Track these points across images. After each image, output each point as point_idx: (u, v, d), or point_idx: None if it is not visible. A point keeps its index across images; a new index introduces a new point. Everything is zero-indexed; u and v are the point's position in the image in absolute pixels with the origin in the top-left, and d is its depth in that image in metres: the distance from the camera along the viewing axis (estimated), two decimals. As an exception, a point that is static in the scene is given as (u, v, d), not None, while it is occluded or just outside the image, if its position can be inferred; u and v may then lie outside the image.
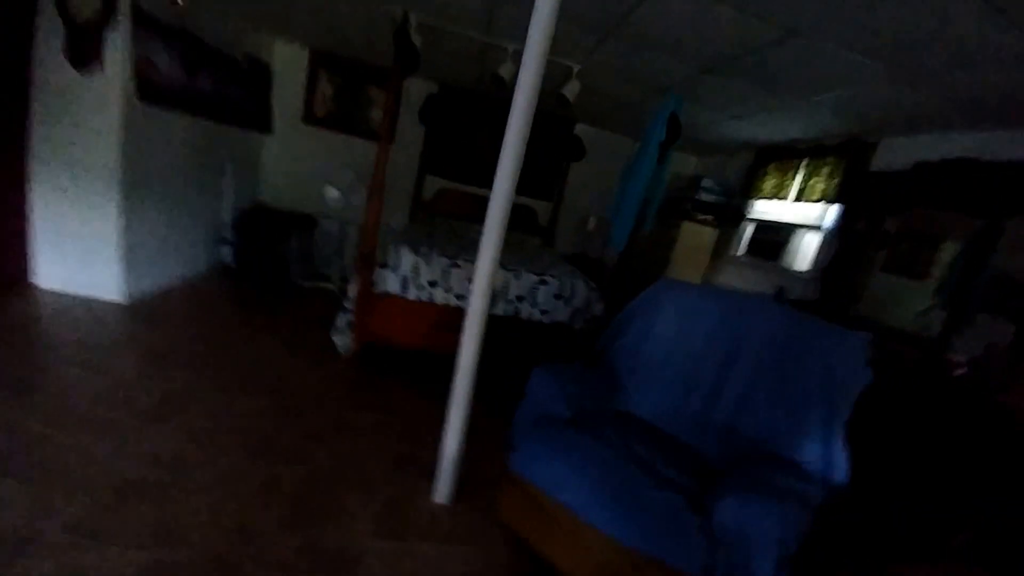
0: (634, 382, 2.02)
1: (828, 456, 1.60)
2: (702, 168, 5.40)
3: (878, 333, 2.84)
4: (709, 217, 4.66)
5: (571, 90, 3.17)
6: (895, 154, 3.25)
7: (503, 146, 1.68)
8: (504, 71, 3.07)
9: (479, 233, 4.41)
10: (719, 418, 1.82)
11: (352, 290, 2.84)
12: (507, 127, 1.65)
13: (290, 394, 2.39)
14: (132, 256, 3.04)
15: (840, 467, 1.56)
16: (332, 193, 3.99)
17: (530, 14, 1.59)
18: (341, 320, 2.91)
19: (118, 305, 2.95)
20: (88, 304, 2.85)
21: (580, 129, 5.07)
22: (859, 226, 3.40)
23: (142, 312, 2.96)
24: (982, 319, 2.53)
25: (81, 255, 2.90)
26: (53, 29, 2.58)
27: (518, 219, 4.95)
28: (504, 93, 3.31)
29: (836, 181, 3.64)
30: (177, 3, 2.93)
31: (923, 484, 2.03)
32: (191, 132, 3.44)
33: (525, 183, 5.12)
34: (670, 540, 1.26)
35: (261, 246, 4.03)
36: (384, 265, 2.84)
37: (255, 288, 3.90)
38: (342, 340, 2.89)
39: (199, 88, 3.39)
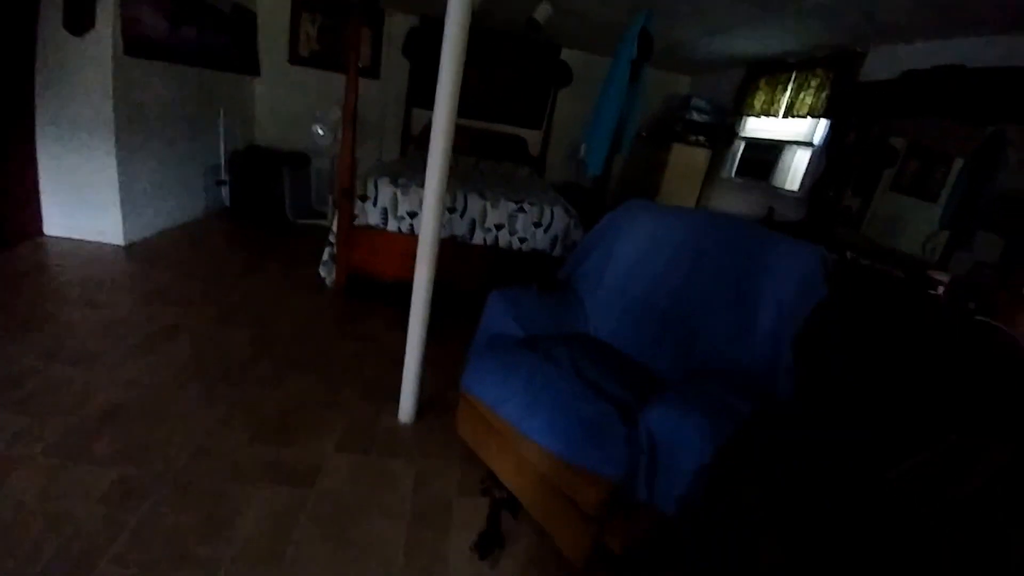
0: (595, 304, 1.91)
1: (774, 371, 1.50)
2: (695, 87, 4.95)
3: (875, 257, 2.65)
4: (701, 138, 4.31)
5: (542, 13, 2.83)
6: (884, 64, 2.90)
7: (440, 67, 1.47)
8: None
9: (467, 164, 4.26)
10: (673, 337, 1.72)
11: (333, 225, 2.74)
12: (442, 47, 1.44)
13: (274, 325, 2.37)
14: (130, 201, 3.01)
15: (785, 383, 1.47)
16: (319, 131, 3.79)
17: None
18: (326, 254, 2.84)
19: (118, 247, 2.95)
20: (90, 248, 2.85)
21: (566, 54, 4.65)
22: (848, 140, 3.08)
23: (140, 253, 2.95)
24: (984, 239, 2.29)
25: (82, 203, 2.90)
26: (54, 4, 2.54)
27: (507, 149, 4.69)
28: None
29: (825, 94, 3.27)
30: None
31: (881, 409, 1.93)
32: (180, 80, 3.34)
33: (513, 112, 4.89)
34: (596, 449, 1.21)
35: (256, 185, 3.92)
36: (364, 198, 2.71)
37: (251, 227, 3.83)
38: (327, 273, 2.84)
39: (184, 39, 3.28)
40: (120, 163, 2.87)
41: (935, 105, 2.52)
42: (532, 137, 4.88)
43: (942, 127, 2.53)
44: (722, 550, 1.50)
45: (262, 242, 3.58)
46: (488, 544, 1.37)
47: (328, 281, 2.85)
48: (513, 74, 4.73)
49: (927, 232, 2.52)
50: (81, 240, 2.91)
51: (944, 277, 2.20)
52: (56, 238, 2.89)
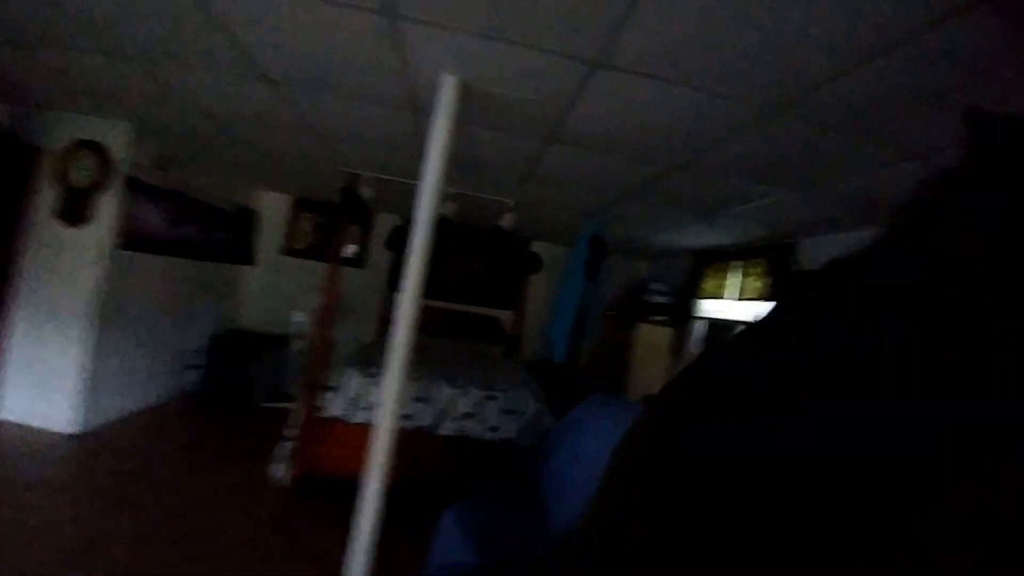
0: (560, 511, 1.77)
1: None
2: (653, 271, 5.46)
3: None
4: (663, 317, 4.60)
5: (507, 221, 3.28)
6: (815, 253, 3.27)
7: (407, 264, 1.62)
8: (446, 208, 3.19)
9: (442, 345, 4.36)
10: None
11: (294, 418, 2.65)
12: (410, 247, 1.62)
13: (213, 540, 2.09)
14: (94, 389, 2.94)
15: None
16: (298, 316, 3.94)
17: (460, 165, 1.66)
18: (282, 449, 2.67)
19: (73, 436, 2.79)
20: (41, 436, 2.71)
21: (537, 245, 5.21)
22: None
23: (93, 445, 2.77)
24: None
25: (44, 388, 2.83)
26: (48, 191, 2.77)
27: (482, 329, 4.89)
28: (447, 225, 3.52)
29: (767, 280, 3.63)
30: (164, 168, 3.13)
31: None
32: (172, 272, 3.55)
33: (488, 296, 5.25)
34: None
35: (228, 368, 3.89)
36: (330, 388, 2.68)
37: (216, 412, 3.68)
38: (280, 471, 2.63)
39: (182, 235, 3.57)
40: (91, 353, 2.86)
41: None
42: (507, 317, 5.15)
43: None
44: None
45: (223, 430, 3.39)
46: None
47: (280, 480, 2.63)
48: (488, 263, 5.22)
49: None
50: (31, 427, 2.76)
51: None
52: (9, 423, 2.75)
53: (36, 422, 2.79)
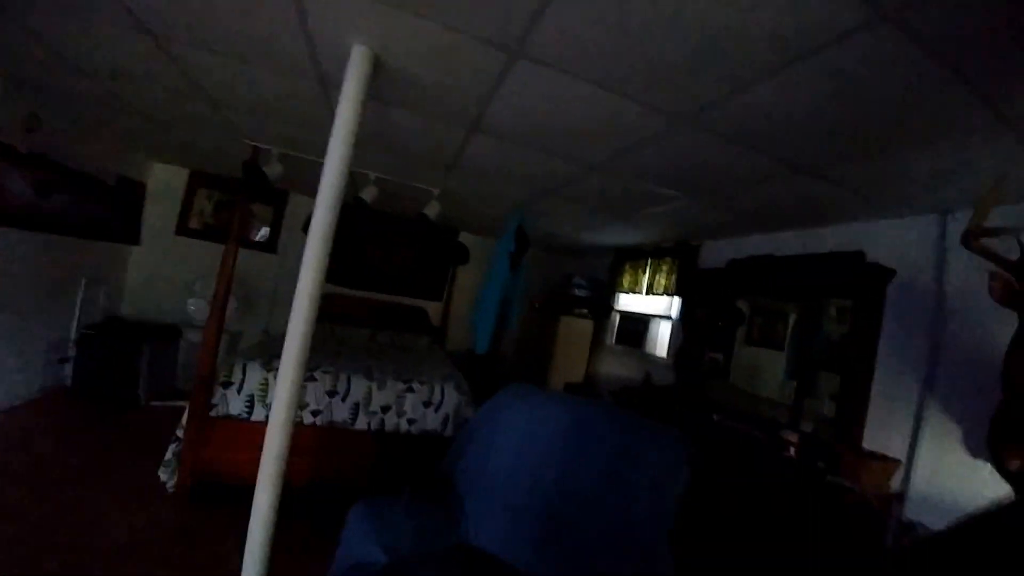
0: (475, 507, 1.75)
1: (651, 565, 1.43)
2: (577, 267, 5.64)
3: (745, 405, 2.86)
4: (584, 310, 4.76)
5: (432, 209, 3.20)
6: (715, 254, 3.56)
7: (305, 251, 1.50)
8: (366, 194, 3.04)
9: (364, 336, 4.18)
10: (554, 542, 1.60)
11: (185, 417, 2.40)
12: (310, 232, 1.50)
13: (92, 551, 1.84)
14: None
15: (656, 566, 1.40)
16: (196, 304, 3.58)
17: (381, 149, 1.53)
18: (170, 451, 2.41)
19: None
20: None
21: (464, 236, 5.16)
22: (697, 314, 3.57)
23: None
24: (827, 378, 2.57)
25: None
26: None
27: (408, 320, 4.76)
28: (368, 211, 3.36)
29: (674, 277, 3.88)
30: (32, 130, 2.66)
31: None
32: (41, 249, 3.07)
33: (414, 286, 5.11)
34: None
35: (108, 362, 3.42)
36: (227, 384, 2.46)
37: (96, 410, 3.23)
38: (168, 476, 2.37)
39: (53, 208, 3.08)
40: None
41: (755, 287, 3.09)
42: (434, 308, 5.05)
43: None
44: None
45: (101, 431, 2.98)
46: None
47: (169, 486, 2.37)
48: (414, 253, 5.07)
49: (780, 378, 2.85)
50: None
51: (793, 438, 2.42)
52: None
53: None
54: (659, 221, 3.26)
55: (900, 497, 2.09)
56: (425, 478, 1.93)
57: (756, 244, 3.18)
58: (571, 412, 1.86)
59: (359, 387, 2.65)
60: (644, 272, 4.26)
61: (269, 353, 2.72)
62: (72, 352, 3.46)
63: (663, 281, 3.97)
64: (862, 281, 2.39)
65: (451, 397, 2.82)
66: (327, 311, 4.36)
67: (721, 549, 2.01)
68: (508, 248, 2.78)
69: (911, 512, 2.04)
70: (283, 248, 4.56)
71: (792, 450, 2.37)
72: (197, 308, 3.56)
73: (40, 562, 1.72)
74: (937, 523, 1.92)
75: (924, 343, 2.14)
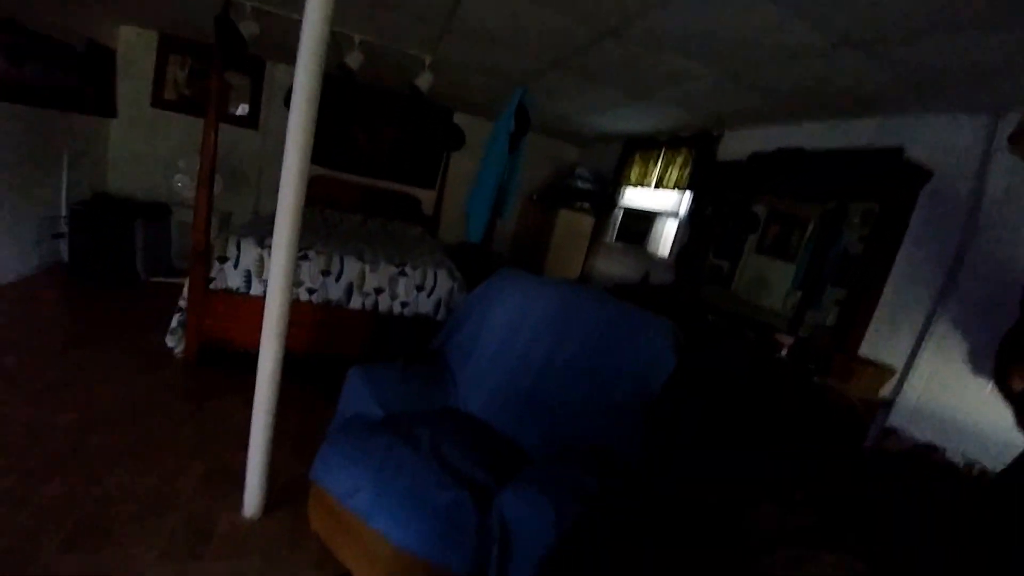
0: (465, 377, 1.93)
1: (632, 444, 1.62)
2: (582, 157, 5.47)
3: (745, 313, 2.94)
4: (585, 204, 4.73)
5: (424, 81, 3.02)
6: (736, 146, 3.39)
7: (289, 121, 1.46)
8: (351, 60, 2.84)
9: (353, 222, 4.22)
10: (536, 414, 1.78)
11: (185, 289, 2.52)
12: (291, 102, 1.44)
13: (104, 406, 2.06)
14: None
15: (637, 453, 1.59)
16: (182, 180, 3.55)
17: (365, 6, 1.39)
18: (175, 320, 2.58)
19: None
20: None
21: (459, 118, 4.92)
22: (707, 211, 3.55)
23: None
24: (830, 293, 2.58)
25: None
26: None
27: (399, 208, 4.75)
28: (353, 80, 3.16)
29: (688, 170, 3.80)
30: None
31: (734, 467, 2.13)
32: (17, 122, 3.01)
33: (405, 171, 4.99)
34: (445, 542, 1.19)
35: (102, 238, 3.50)
36: (224, 259, 2.55)
37: (93, 286, 3.39)
38: (176, 342, 2.57)
39: (25, 77, 2.98)
40: None
41: (777, 184, 2.93)
42: (427, 196, 5.00)
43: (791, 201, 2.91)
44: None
45: (104, 305, 3.16)
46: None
47: (177, 351, 2.57)
48: (405, 134, 4.87)
49: (787, 290, 2.83)
50: None
51: (787, 340, 2.56)
52: None
53: None
54: (677, 104, 3.10)
55: (888, 404, 2.18)
56: (418, 353, 2.09)
57: (782, 136, 2.98)
58: (563, 294, 1.97)
59: (352, 268, 2.74)
60: (656, 163, 4.16)
61: (261, 231, 2.77)
62: (64, 228, 3.51)
63: (675, 174, 3.89)
64: (895, 181, 2.28)
65: (444, 282, 2.93)
66: (315, 194, 4.32)
67: (698, 437, 2.22)
68: (507, 127, 2.68)
69: (896, 420, 2.13)
70: (265, 124, 4.40)
71: (784, 352, 2.51)
72: (183, 185, 3.54)
73: (56, 417, 1.94)
74: (919, 433, 2.02)
75: (946, 254, 2.09)
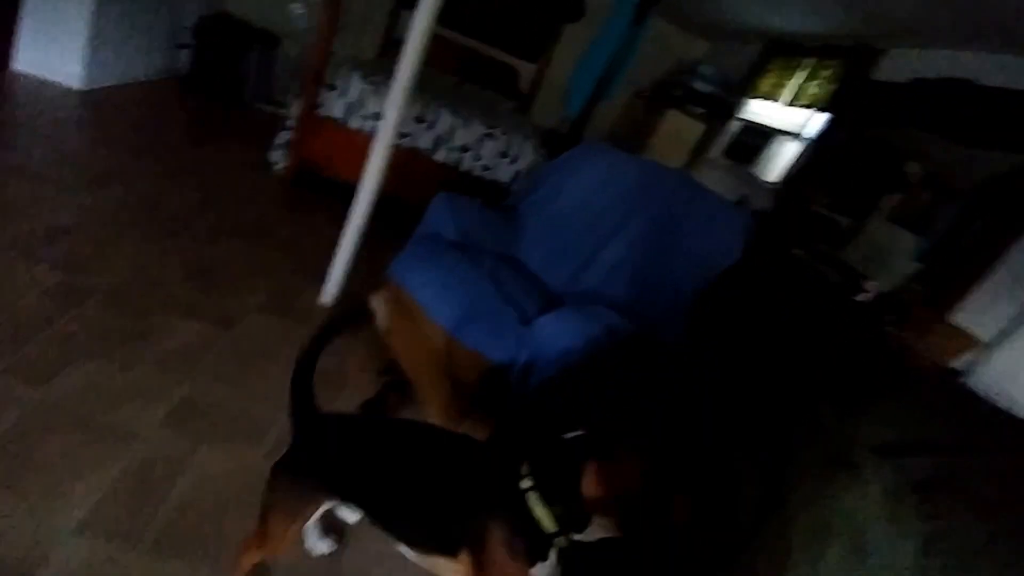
0: (532, 234, 2.19)
1: (669, 314, 1.85)
2: (709, 55, 5.18)
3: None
4: (700, 109, 4.57)
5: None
6: (899, 66, 3.11)
7: None
8: None
9: (447, 84, 4.40)
10: (594, 271, 2.02)
11: (295, 109, 2.92)
12: None
13: (217, 192, 2.64)
14: (98, 47, 3.17)
15: (675, 327, 1.82)
16: (298, 10, 3.88)
17: None
18: (282, 138, 3.03)
19: (78, 91, 3.12)
20: (51, 88, 3.03)
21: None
22: (839, 136, 3.36)
23: (98, 101, 3.14)
24: None
25: (53, 42, 3.04)
26: None
27: (495, 77, 4.76)
28: None
29: (832, 88, 3.56)
30: None
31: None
32: None
33: (510, 37, 4.92)
34: (489, 336, 1.54)
35: (219, 57, 3.99)
36: (332, 87, 2.89)
37: (207, 100, 3.95)
38: (279, 159, 3.04)
39: None
40: (95, 13, 3.01)
41: (941, 120, 2.61)
42: (527, 71, 5.02)
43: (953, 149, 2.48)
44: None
45: (217, 117, 3.75)
46: (370, 410, 1.70)
47: (279, 167, 3.06)
48: (516, -1, 4.75)
49: (905, 272, 2.55)
50: (44, 79, 3.06)
51: (873, 286, 2.58)
52: (22, 74, 3.02)
53: (48, 74, 3.09)
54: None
55: (958, 374, 2.13)
56: (496, 202, 2.39)
57: (953, 64, 2.68)
58: (647, 169, 2.13)
59: (445, 120, 3.01)
60: (795, 74, 3.91)
61: (367, 69, 3.08)
62: (188, 41, 4.02)
63: (816, 91, 3.65)
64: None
65: (528, 154, 3.14)
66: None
67: (735, 341, 2.36)
68: (636, -5, 2.67)
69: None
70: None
71: (867, 296, 2.52)
72: (298, 15, 3.87)
73: (173, 195, 2.48)
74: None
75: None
